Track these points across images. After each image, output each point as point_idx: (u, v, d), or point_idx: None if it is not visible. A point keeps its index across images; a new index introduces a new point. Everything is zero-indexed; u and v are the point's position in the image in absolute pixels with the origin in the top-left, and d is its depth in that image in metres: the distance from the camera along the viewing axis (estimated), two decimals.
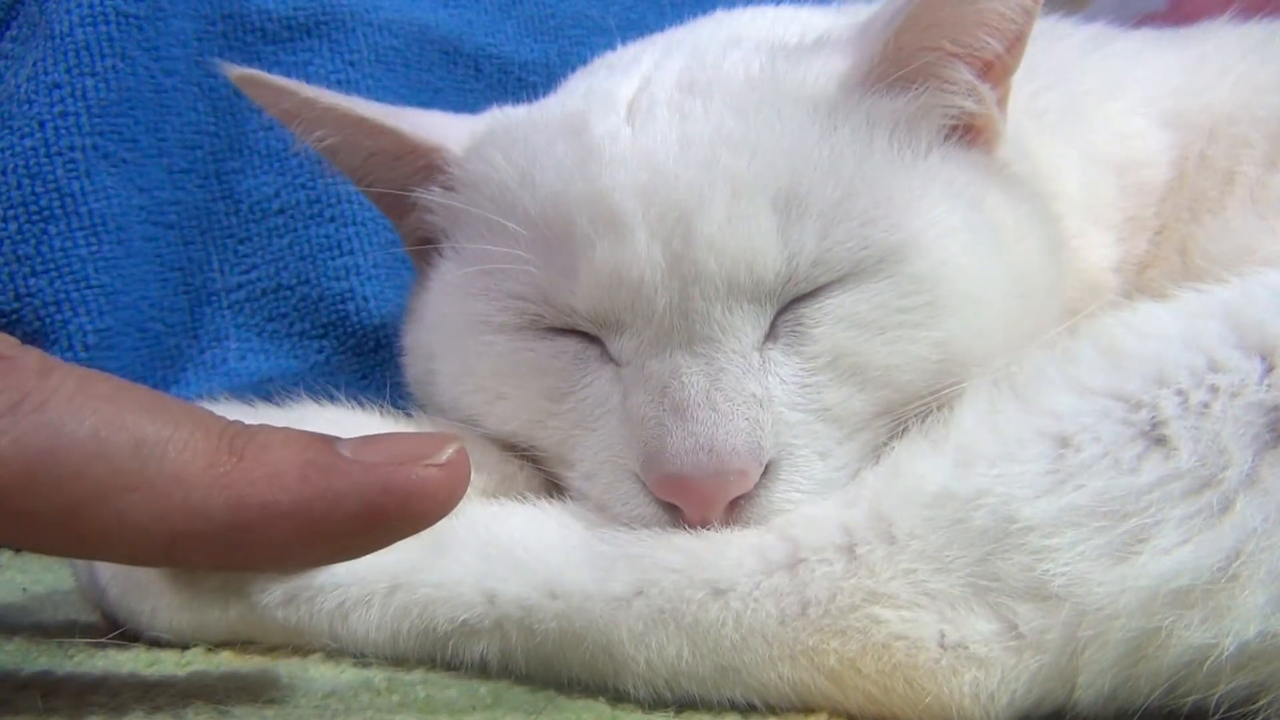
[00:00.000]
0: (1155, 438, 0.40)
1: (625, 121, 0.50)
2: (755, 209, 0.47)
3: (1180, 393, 0.41)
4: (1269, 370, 0.41)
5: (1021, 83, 0.56)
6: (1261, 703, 0.38)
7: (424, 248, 0.59)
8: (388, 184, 0.58)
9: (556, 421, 0.50)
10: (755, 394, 0.46)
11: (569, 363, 0.50)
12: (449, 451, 0.37)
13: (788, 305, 0.48)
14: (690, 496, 0.45)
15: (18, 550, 0.68)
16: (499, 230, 0.51)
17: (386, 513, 0.36)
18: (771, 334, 0.48)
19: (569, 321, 0.50)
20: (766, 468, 0.46)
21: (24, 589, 0.59)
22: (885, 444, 0.48)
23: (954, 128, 0.53)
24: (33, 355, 0.35)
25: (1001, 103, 0.54)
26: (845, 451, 0.47)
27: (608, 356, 0.50)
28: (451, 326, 0.54)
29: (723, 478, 0.45)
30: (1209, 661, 0.37)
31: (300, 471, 0.35)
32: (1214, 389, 0.41)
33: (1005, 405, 0.44)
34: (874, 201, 0.49)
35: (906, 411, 0.48)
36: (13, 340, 0.35)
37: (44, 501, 0.33)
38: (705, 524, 0.45)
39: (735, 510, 0.45)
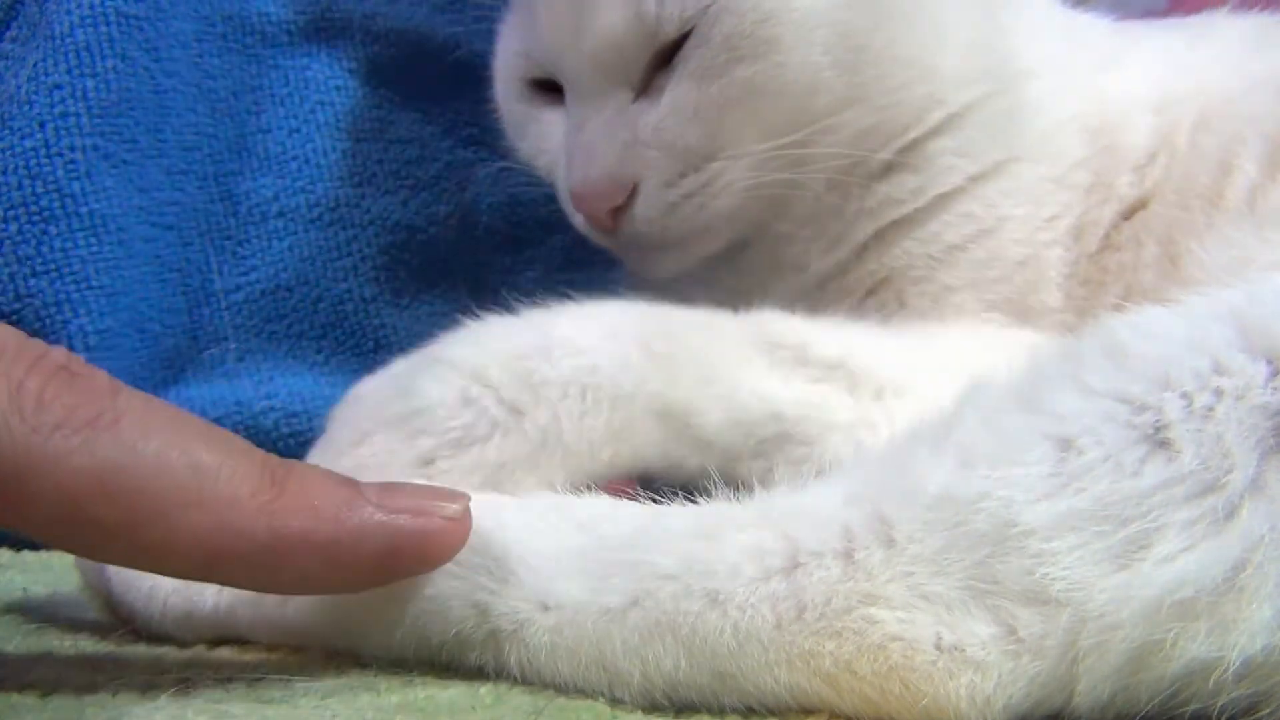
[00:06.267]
0: (1158, 441, 0.39)
1: None
2: None
3: (1184, 395, 0.40)
4: (1275, 374, 0.40)
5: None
6: (1264, 712, 0.37)
7: None
8: None
9: (546, 145, 0.73)
10: (624, 138, 0.65)
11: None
12: (456, 507, 0.42)
13: (651, 62, 0.65)
14: (583, 205, 0.67)
15: (18, 549, 0.68)
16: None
17: (403, 555, 0.40)
18: (642, 88, 0.66)
19: (544, 73, 0.71)
20: (634, 189, 0.66)
21: (24, 589, 0.59)
22: (756, 185, 0.65)
23: None
24: (101, 374, 0.38)
25: None
26: (689, 182, 0.65)
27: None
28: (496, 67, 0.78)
29: (598, 191, 0.66)
30: (1213, 674, 0.37)
31: (334, 509, 0.39)
32: (1219, 392, 0.40)
33: (1007, 404, 0.43)
34: None
35: (762, 152, 0.64)
36: (79, 358, 0.38)
37: (112, 512, 0.36)
38: (603, 227, 0.67)
39: (617, 216, 0.67)
